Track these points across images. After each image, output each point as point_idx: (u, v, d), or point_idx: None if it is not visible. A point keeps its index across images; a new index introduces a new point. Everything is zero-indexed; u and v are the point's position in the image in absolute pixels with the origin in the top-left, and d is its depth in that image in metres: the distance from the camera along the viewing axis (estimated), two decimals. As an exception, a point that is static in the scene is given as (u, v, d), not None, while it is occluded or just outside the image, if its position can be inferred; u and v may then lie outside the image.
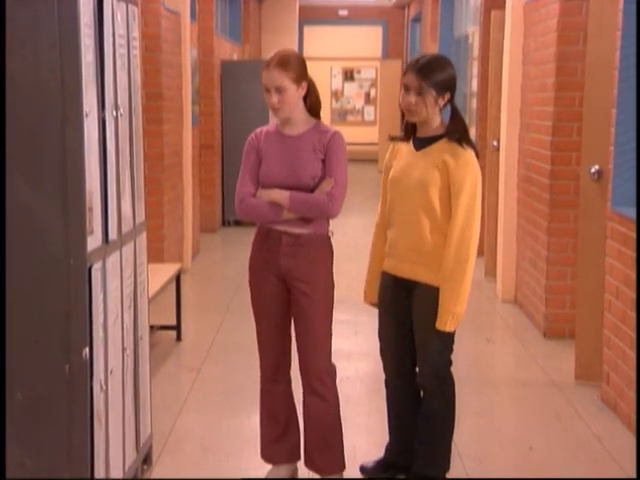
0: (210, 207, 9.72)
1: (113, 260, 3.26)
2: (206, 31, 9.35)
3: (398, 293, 3.51)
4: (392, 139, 3.62)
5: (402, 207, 3.44)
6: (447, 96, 3.33)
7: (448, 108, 3.40)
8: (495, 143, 7.39)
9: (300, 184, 3.47)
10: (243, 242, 3.53)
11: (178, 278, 5.80)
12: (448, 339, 3.42)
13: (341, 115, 20.45)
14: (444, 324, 3.32)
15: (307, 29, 17.51)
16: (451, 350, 3.49)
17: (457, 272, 3.29)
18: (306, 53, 17.75)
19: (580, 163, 5.51)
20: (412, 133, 3.50)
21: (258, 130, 3.60)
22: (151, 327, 5.71)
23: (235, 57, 11.37)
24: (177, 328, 5.75)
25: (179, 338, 5.73)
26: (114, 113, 3.24)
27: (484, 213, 7.37)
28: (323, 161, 3.47)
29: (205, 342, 5.72)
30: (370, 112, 20.30)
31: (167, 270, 5.80)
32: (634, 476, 3.69)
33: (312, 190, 3.47)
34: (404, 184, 3.43)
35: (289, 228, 3.50)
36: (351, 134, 16.63)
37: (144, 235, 3.79)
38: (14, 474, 2.99)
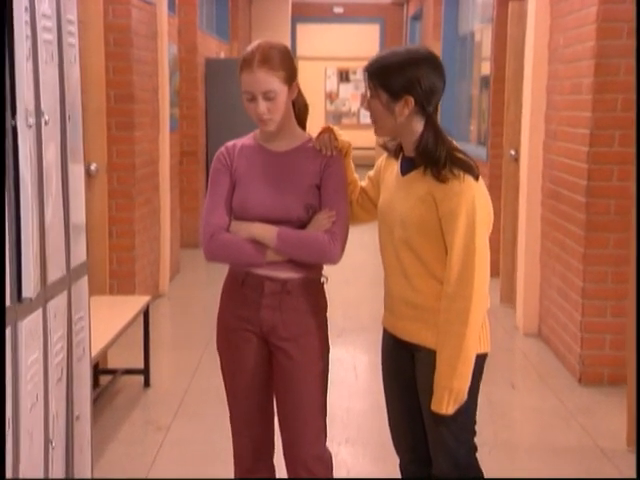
0: (192, 221, 8.80)
1: (30, 324, 2.38)
2: (188, 26, 8.46)
3: (400, 357, 2.66)
4: (384, 148, 2.74)
5: (389, 249, 2.60)
6: (409, 100, 2.46)
7: None
8: (513, 152, 6.52)
9: (289, 217, 2.62)
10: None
11: (147, 313, 4.90)
12: (465, 418, 2.55)
13: (336, 118, 19.56)
14: (439, 403, 2.48)
15: (300, 27, 16.58)
16: (473, 432, 2.62)
17: (453, 337, 2.44)
18: (299, 52, 16.86)
19: (623, 178, 4.68)
20: (401, 150, 2.63)
21: (230, 144, 2.73)
22: (115, 371, 4.87)
23: (222, 55, 10.48)
24: (145, 372, 4.85)
25: (147, 384, 4.84)
26: (30, 121, 2.35)
27: (498, 230, 6.51)
28: (318, 187, 2.64)
29: (178, 389, 4.82)
30: (366, 115, 19.31)
31: (134, 303, 4.90)
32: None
33: (304, 225, 2.62)
34: (388, 220, 2.59)
35: (273, 272, 2.66)
36: (346, 138, 15.71)
37: (85, 279, 2.92)
38: None
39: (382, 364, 2.78)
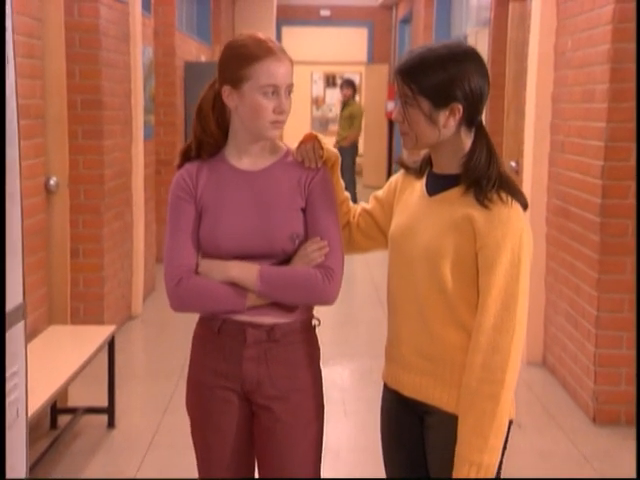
0: (170, 233, 8.29)
1: (-62, 393, 1.88)
2: (166, 27, 7.97)
3: (406, 421, 2.21)
4: (402, 165, 2.27)
5: (403, 287, 2.14)
6: (456, 108, 2.01)
7: None
8: (514, 164, 6.06)
9: (272, 250, 2.17)
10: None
11: (112, 345, 4.39)
12: None
13: (322, 124, 19.09)
14: None
15: (286, 30, 16.08)
16: None
17: (484, 399, 1.99)
18: (285, 57, 16.36)
19: (642, 196, 4.23)
20: (428, 166, 2.18)
21: (191, 167, 2.25)
22: (75, 410, 4.36)
23: (203, 59, 9.99)
24: (109, 411, 4.35)
25: (111, 424, 4.33)
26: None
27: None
28: (304, 210, 2.18)
29: (147, 430, 4.32)
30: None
31: (98, 334, 4.39)
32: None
33: (290, 259, 2.16)
34: (406, 251, 2.12)
35: (256, 317, 2.20)
36: (332, 144, 15.23)
37: (20, 326, 2.42)
38: None
39: (382, 428, 2.33)
